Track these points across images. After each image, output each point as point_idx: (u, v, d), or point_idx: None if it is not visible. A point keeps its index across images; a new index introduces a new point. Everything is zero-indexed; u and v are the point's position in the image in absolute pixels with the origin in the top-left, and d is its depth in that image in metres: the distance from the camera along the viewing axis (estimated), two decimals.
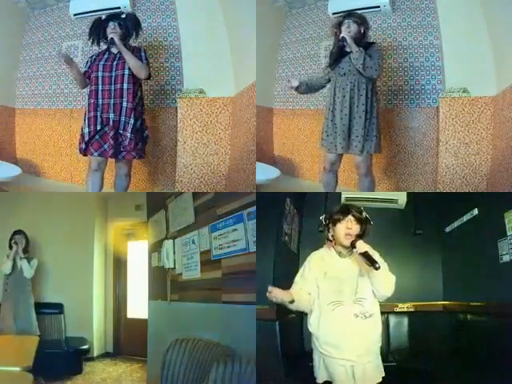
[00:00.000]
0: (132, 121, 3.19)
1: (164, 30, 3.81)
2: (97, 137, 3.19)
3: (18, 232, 4.00)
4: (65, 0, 3.98)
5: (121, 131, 3.19)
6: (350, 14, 3.19)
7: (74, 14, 3.94)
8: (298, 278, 2.08)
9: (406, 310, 3.39)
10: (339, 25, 3.14)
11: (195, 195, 2.98)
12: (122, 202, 4.88)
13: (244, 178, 3.32)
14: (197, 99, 3.59)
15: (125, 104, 3.18)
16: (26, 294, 3.93)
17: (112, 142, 3.18)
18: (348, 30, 3.09)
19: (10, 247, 3.94)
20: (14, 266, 3.91)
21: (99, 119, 3.19)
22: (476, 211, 2.91)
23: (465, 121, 3.45)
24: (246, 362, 1.97)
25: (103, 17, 3.29)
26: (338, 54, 3.16)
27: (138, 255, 4.89)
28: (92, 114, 3.20)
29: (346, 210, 2.02)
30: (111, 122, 3.18)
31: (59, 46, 4.06)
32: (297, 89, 3.29)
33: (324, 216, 2.10)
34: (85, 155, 3.26)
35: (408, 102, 3.83)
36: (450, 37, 3.51)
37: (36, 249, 4.34)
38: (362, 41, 3.11)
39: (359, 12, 3.41)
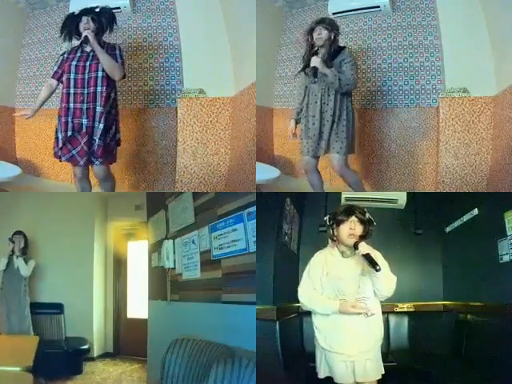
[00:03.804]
0: (102, 126, 3.04)
1: (164, 30, 3.81)
2: (67, 142, 3.07)
3: (18, 232, 4.02)
4: (65, 0, 3.98)
5: (95, 137, 3.05)
6: (320, 21, 3.26)
7: None
8: (305, 277, 2.13)
9: (406, 309, 3.39)
10: (310, 31, 3.23)
11: (195, 195, 2.98)
12: (121, 202, 4.88)
13: (244, 178, 3.32)
14: (197, 99, 3.58)
15: (98, 109, 3.04)
16: (22, 294, 3.94)
17: (86, 148, 3.05)
18: (319, 37, 3.19)
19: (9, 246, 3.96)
20: (10, 264, 3.93)
21: (70, 125, 3.06)
22: (476, 211, 2.91)
23: (465, 121, 3.45)
24: (246, 361, 1.97)
25: (76, 12, 3.13)
26: (309, 61, 3.24)
27: (138, 255, 4.90)
28: (63, 119, 3.07)
29: (349, 211, 2.07)
30: (84, 128, 3.05)
31: (59, 45, 4.05)
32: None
33: (328, 216, 2.15)
34: (59, 160, 3.17)
35: (408, 102, 3.84)
36: (450, 37, 3.51)
37: (36, 249, 4.35)
38: (331, 47, 3.20)
39: (330, 18, 3.50)
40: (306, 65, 3.28)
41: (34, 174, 4.16)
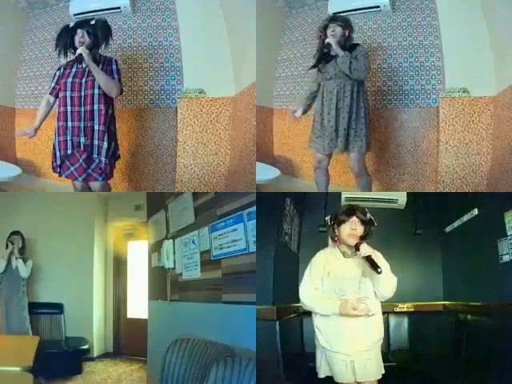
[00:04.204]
0: (106, 144, 3.04)
1: (164, 30, 3.81)
2: (66, 160, 3.08)
3: (16, 232, 4.01)
4: (65, 0, 3.98)
5: (95, 155, 3.06)
6: (334, 18, 3.28)
7: (74, 14, 3.93)
8: (306, 276, 2.13)
9: (405, 309, 3.39)
10: (324, 28, 3.23)
11: (195, 195, 2.98)
12: (121, 202, 4.89)
13: (244, 178, 3.32)
14: (197, 99, 3.58)
15: (96, 127, 3.03)
16: (20, 295, 3.93)
17: (85, 165, 3.06)
18: (333, 34, 3.19)
19: (7, 247, 3.95)
20: (9, 265, 3.92)
21: (69, 143, 3.05)
22: (476, 211, 2.91)
23: (465, 121, 3.45)
24: (246, 361, 1.97)
25: (71, 24, 3.11)
26: (322, 57, 3.25)
27: (138, 255, 4.90)
28: (62, 138, 3.06)
29: (350, 212, 2.08)
30: (82, 146, 3.04)
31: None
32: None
33: (329, 216, 2.16)
34: (59, 175, 3.19)
35: (408, 102, 3.84)
36: (449, 37, 3.51)
37: (35, 249, 4.35)
38: (346, 43, 3.22)
39: (343, 15, 3.50)
40: (319, 61, 3.27)
41: (34, 173, 4.16)
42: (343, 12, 3.96)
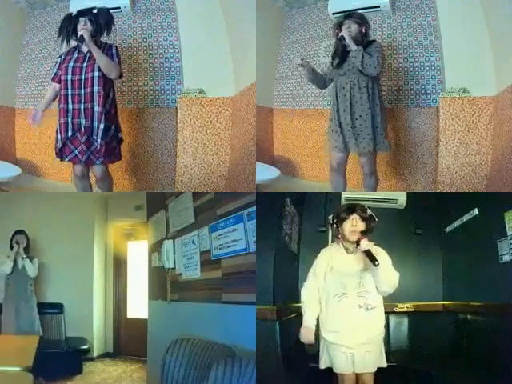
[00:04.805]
0: (102, 126, 3.05)
1: (164, 30, 3.81)
2: (68, 143, 3.10)
3: (20, 232, 4.00)
4: (65, 0, 3.98)
5: (94, 137, 3.07)
6: (350, 15, 3.24)
7: None
8: (310, 274, 2.23)
9: (406, 309, 3.39)
10: (340, 25, 3.20)
11: (195, 195, 2.98)
12: (122, 202, 4.89)
13: (244, 178, 3.32)
14: (197, 99, 3.58)
15: (96, 108, 3.05)
16: (28, 294, 3.93)
17: (85, 147, 3.08)
18: (349, 30, 3.15)
19: (11, 247, 3.93)
20: (15, 265, 3.91)
21: (70, 125, 3.08)
22: (476, 211, 2.91)
23: (465, 121, 3.45)
24: (246, 361, 1.97)
25: (74, 13, 3.14)
26: (341, 55, 3.20)
27: (138, 255, 4.90)
28: (63, 120, 3.09)
29: (351, 209, 2.17)
30: (82, 128, 3.07)
31: (59, 45, 4.05)
32: (309, 72, 3.28)
33: (332, 216, 2.24)
34: (60, 159, 3.19)
35: (408, 102, 3.83)
36: (449, 37, 3.51)
37: (36, 249, 4.34)
38: (363, 40, 3.18)
39: (359, 12, 3.46)
40: (341, 60, 3.20)
41: (34, 173, 4.16)
42: (343, 12, 3.96)
